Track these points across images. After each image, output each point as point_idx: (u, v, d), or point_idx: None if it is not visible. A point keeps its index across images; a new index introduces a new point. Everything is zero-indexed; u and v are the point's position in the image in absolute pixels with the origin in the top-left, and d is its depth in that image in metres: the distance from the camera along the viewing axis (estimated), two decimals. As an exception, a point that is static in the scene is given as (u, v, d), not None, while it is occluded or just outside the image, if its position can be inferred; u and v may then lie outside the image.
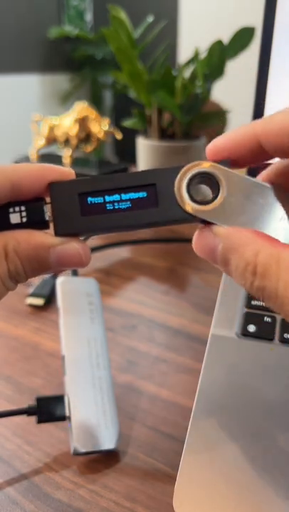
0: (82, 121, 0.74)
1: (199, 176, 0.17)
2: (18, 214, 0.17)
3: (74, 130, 0.74)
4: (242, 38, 0.57)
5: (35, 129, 0.78)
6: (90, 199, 0.17)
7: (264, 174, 0.19)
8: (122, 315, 0.39)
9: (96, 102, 2.38)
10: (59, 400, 0.26)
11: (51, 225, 0.17)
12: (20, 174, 0.17)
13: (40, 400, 0.25)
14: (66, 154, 0.75)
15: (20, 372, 0.32)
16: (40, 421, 0.25)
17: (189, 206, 0.17)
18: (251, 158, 0.17)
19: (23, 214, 0.17)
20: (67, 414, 0.25)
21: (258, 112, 0.34)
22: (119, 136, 0.74)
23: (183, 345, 0.35)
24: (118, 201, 0.17)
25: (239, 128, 0.17)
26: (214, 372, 0.25)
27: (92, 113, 0.74)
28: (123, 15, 0.60)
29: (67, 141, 0.75)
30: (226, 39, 0.57)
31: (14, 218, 0.17)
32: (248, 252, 0.15)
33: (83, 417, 0.25)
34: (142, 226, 0.17)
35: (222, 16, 1.93)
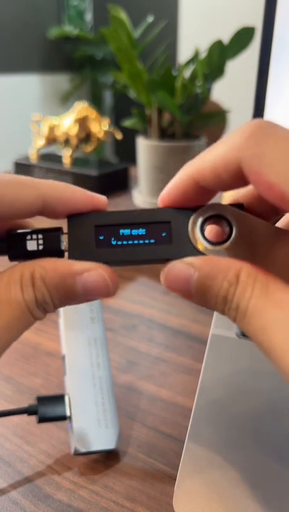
0: (82, 121, 0.74)
1: (212, 217, 0.17)
2: (35, 241, 0.18)
3: (74, 130, 0.74)
4: (242, 38, 0.57)
5: (35, 129, 0.78)
6: (105, 232, 0.17)
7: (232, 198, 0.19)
8: (122, 315, 0.39)
9: (96, 102, 2.38)
10: (59, 399, 0.26)
11: (66, 255, 0.18)
12: (58, 195, 0.17)
13: (40, 400, 0.25)
14: (66, 154, 0.75)
15: (20, 372, 0.32)
16: (40, 420, 0.25)
17: (202, 246, 0.17)
18: (199, 198, 0.17)
19: (40, 242, 0.18)
20: (67, 414, 0.25)
21: (258, 112, 0.34)
22: (119, 136, 0.74)
23: (183, 345, 0.35)
24: (133, 236, 0.17)
25: (178, 173, 0.17)
26: (214, 372, 0.25)
27: (92, 113, 0.74)
28: (123, 15, 0.60)
29: (67, 141, 0.75)
30: (226, 39, 0.57)
31: (31, 245, 0.18)
32: (230, 273, 0.15)
33: (84, 417, 0.25)
34: (155, 261, 0.18)
35: (222, 16, 1.93)
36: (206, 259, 0.16)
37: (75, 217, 0.18)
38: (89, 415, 0.25)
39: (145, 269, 0.47)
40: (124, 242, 0.17)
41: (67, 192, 0.18)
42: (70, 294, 0.17)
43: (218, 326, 0.29)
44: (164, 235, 0.17)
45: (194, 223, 0.17)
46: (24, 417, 0.26)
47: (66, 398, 0.25)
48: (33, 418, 0.26)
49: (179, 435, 0.26)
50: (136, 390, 0.30)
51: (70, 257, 0.17)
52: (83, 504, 0.22)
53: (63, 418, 0.25)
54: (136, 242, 0.17)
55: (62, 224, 0.18)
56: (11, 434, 0.27)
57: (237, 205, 0.18)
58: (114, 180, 0.74)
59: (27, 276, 0.16)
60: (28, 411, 0.25)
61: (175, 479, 0.21)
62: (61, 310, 0.28)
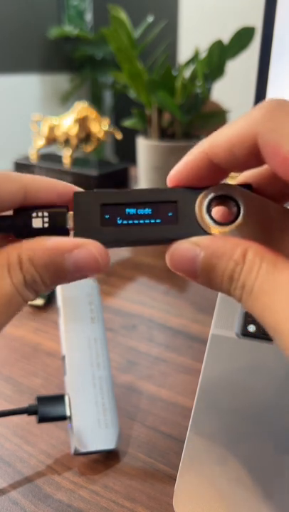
0: (82, 121, 0.74)
1: (220, 197, 0.17)
2: (40, 219, 0.17)
3: (74, 130, 0.74)
4: (242, 38, 0.57)
5: (35, 129, 0.78)
6: (111, 211, 0.17)
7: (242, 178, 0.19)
8: (122, 315, 0.39)
9: (96, 102, 2.38)
10: (59, 399, 0.26)
11: (71, 234, 0.18)
12: (38, 185, 0.17)
13: (40, 400, 0.25)
14: (66, 154, 0.75)
15: (20, 372, 0.32)
16: (40, 420, 0.25)
17: (209, 226, 0.17)
18: (211, 177, 0.17)
19: (46, 220, 0.17)
20: (67, 414, 0.25)
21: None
22: (119, 136, 0.74)
23: (183, 345, 0.35)
24: (138, 215, 0.17)
25: (191, 150, 0.17)
26: (214, 372, 0.25)
27: (92, 113, 0.74)
28: (123, 15, 0.60)
29: (67, 141, 0.75)
30: (226, 39, 0.57)
31: (36, 223, 0.17)
32: (237, 252, 0.15)
33: (84, 417, 0.25)
34: (161, 241, 0.17)
35: (222, 16, 1.93)
36: (212, 239, 0.16)
37: (81, 194, 0.17)
38: (89, 415, 0.25)
39: (145, 269, 0.47)
40: (130, 222, 0.17)
41: (48, 183, 0.18)
42: (60, 273, 0.16)
43: (218, 326, 0.29)
44: (170, 214, 0.17)
45: (201, 203, 0.17)
46: (24, 417, 0.26)
47: (66, 398, 0.25)
48: (33, 418, 0.26)
49: (179, 435, 0.26)
50: (136, 390, 0.30)
51: (75, 236, 0.17)
52: (83, 504, 0.22)
53: (63, 418, 0.25)
54: (142, 221, 0.17)
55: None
56: (11, 434, 0.27)
57: (245, 186, 0.17)
58: (114, 180, 0.74)
59: (14, 260, 0.16)
60: (28, 411, 0.25)
61: (175, 479, 0.21)
62: (61, 310, 0.28)
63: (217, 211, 0.18)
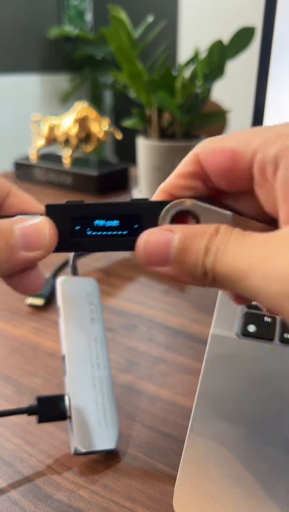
0: (82, 121, 0.74)
1: (181, 212, 0.18)
2: None
3: (74, 130, 0.74)
4: (242, 38, 0.57)
5: (35, 129, 0.78)
6: (80, 223, 0.19)
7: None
8: (122, 315, 0.39)
9: (96, 102, 2.38)
10: (60, 399, 0.26)
11: None
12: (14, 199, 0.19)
13: (40, 400, 0.25)
14: (66, 154, 0.75)
15: (20, 372, 0.32)
16: (40, 421, 0.25)
17: None
18: (203, 186, 0.19)
19: None
20: (67, 414, 0.25)
21: (258, 111, 0.34)
22: (119, 136, 0.74)
23: (183, 345, 0.35)
24: (106, 227, 0.19)
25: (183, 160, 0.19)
26: (214, 372, 0.25)
27: (92, 113, 0.74)
28: (123, 15, 0.60)
29: (67, 141, 0.75)
30: (226, 39, 0.57)
31: None
32: (211, 228, 0.16)
33: (84, 417, 0.25)
34: (127, 249, 0.19)
35: (222, 15, 1.93)
36: (184, 226, 0.17)
37: (53, 207, 0.19)
38: (89, 415, 0.25)
39: (145, 269, 0.47)
40: (99, 233, 0.19)
41: (24, 197, 0.19)
42: (8, 248, 0.17)
43: (218, 326, 0.29)
44: (136, 226, 0.18)
45: (165, 218, 0.18)
46: (24, 417, 0.26)
47: (66, 398, 0.25)
48: (33, 418, 0.26)
49: (179, 435, 0.26)
50: (136, 390, 0.30)
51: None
52: (83, 504, 0.22)
53: (63, 418, 0.25)
54: (109, 233, 0.19)
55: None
56: (11, 434, 0.27)
57: (206, 199, 0.18)
58: (114, 180, 0.74)
59: None
60: (29, 411, 0.25)
61: (175, 479, 0.21)
62: (61, 310, 0.28)
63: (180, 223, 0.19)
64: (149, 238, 0.17)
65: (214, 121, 0.64)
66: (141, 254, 0.18)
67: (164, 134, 0.63)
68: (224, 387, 0.25)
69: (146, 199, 0.19)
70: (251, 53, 0.56)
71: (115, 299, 0.41)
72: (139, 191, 0.67)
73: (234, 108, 0.77)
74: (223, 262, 0.16)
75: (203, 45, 0.60)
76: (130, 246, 0.18)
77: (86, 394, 0.26)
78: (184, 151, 0.18)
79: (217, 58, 0.57)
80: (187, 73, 0.60)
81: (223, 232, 0.16)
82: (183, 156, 0.19)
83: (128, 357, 0.33)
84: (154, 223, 0.18)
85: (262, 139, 0.16)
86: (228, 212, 0.18)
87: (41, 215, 0.19)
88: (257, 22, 0.41)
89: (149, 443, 0.26)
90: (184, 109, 0.61)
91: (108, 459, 0.25)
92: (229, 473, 0.21)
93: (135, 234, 0.18)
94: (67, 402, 0.25)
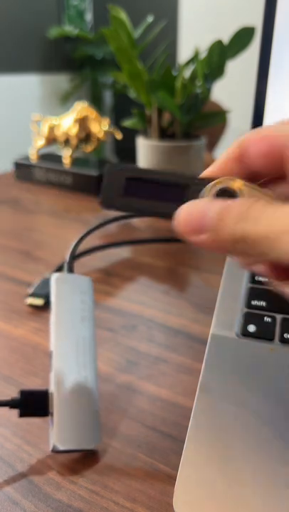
0: (82, 121, 0.74)
1: (224, 191, 0.19)
2: None
3: (74, 130, 0.74)
4: (242, 38, 0.57)
5: (35, 129, 0.78)
6: (133, 184, 0.21)
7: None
8: (122, 315, 0.39)
9: (96, 102, 2.38)
10: (43, 394, 0.25)
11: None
12: None
13: (24, 393, 0.25)
14: (66, 154, 0.75)
15: (20, 372, 0.32)
16: (22, 415, 0.25)
17: None
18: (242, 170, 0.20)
19: None
20: (50, 409, 0.25)
21: (258, 112, 0.34)
22: (119, 136, 0.74)
23: (183, 345, 0.35)
24: (154, 193, 0.20)
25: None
26: (214, 372, 0.25)
27: (92, 113, 0.74)
28: (123, 15, 0.60)
29: (67, 141, 0.75)
30: (226, 39, 0.57)
31: None
32: (250, 200, 0.17)
33: (65, 414, 0.25)
34: (168, 216, 0.20)
35: (222, 15, 1.93)
36: (224, 200, 0.18)
37: (111, 166, 0.21)
38: (70, 413, 0.25)
39: (145, 269, 0.47)
40: (147, 195, 0.20)
41: None
42: None
43: (218, 326, 0.29)
44: (182, 198, 0.20)
45: (209, 193, 0.19)
46: (24, 417, 0.26)
47: (50, 394, 0.25)
48: (34, 419, 0.26)
49: (179, 435, 0.26)
50: (136, 390, 0.30)
51: (101, 200, 0.21)
52: (83, 504, 0.22)
53: (45, 414, 0.25)
54: (157, 197, 0.20)
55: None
56: (11, 434, 0.27)
57: (251, 179, 0.19)
58: (114, 180, 0.74)
59: None
60: (10, 404, 0.25)
61: (175, 479, 0.21)
62: (53, 306, 0.28)
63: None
64: (188, 207, 0.18)
65: (214, 121, 0.64)
66: (180, 222, 0.19)
67: (164, 134, 0.63)
68: (224, 388, 0.25)
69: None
70: (251, 53, 0.56)
71: (115, 299, 0.41)
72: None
73: (234, 108, 0.77)
74: (259, 225, 0.16)
75: (203, 45, 0.60)
76: (172, 214, 0.19)
77: (70, 392, 0.25)
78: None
79: (217, 58, 0.57)
80: (187, 73, 0.60)
81: (262, 202, 0.17)
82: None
83: (128, 357, 0.33)
84: (198, 196, 0.20)
85: None
86: (272, 194, 0.19)
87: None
88: (257, 22, 0.41)
89: (149, 443, 0.26)
90: (184, 109, 0.61)
91: (108, 459, 0.25)
92: (229, 473, 0.21)
93: (179, 204, 0.19)
94: (50, 398, 0.25)
